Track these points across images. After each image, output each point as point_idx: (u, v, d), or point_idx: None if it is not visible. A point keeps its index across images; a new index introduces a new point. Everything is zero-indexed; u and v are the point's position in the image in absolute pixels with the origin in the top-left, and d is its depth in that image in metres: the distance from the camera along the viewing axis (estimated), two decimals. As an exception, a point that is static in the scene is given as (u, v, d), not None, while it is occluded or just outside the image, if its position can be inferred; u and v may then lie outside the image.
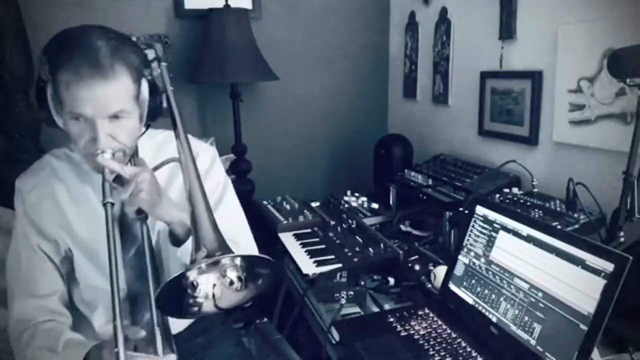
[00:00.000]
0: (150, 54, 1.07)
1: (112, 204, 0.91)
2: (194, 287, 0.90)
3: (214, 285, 0.91)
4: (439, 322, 1.23)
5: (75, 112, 0.93)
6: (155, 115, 1.06)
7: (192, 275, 0.88)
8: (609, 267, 0.93)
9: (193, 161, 0.97)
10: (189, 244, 0.99)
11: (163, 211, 1.00)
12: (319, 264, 1.57)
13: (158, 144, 1.17)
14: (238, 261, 0.90)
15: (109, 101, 0.93)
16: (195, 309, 0.91)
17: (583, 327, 0.94)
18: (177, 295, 0.88)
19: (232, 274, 0.91)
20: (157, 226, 1.12)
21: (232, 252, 0.86)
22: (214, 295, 0.91)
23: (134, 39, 1.04)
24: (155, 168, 1.02)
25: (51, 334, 1.04)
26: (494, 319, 1.15)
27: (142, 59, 1.00)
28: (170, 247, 1.06)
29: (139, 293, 1.10)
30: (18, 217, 1.11)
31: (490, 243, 1.23)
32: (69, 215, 1.10)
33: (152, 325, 0.99)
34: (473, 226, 1.29)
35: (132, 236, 1.10)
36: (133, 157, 1.05)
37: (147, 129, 1.10)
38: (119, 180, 0.96)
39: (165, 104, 1.06)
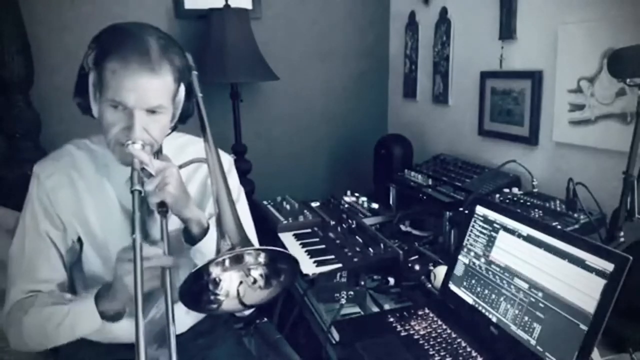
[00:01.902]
0: None
1: (140, 192, 0.94)
2: (215, 284, 0.91)
3: (240, 282, 0.93)
4: (439, 322, 1.23)
5: (117, 100, 0.96)
6: (186, 118, 1.11)
7: (215, 271, 0.90)
8: (609, 267, 0.93)
9: (220, 162, 1.00)
10: (202, 244, 1.02)
11: (185, 207, 1.02)
12: (319, 264, 1.57)
13: (178, 147, 1.20)
14: (261, 258, 0.92)
15: (150, 94, 0.97)
16: (214, 306, 0.93)
17: (583, 327, 0.94)
18: (197, 290, 0.89)
19: (255, 273, 0.93)
20: (168, 227, 1.13)
21: (254, 246, 0.89)
22: (238, 293, 0.93)
23: None
24: (182, 166, 1.06)
25: (54, 293, 1.06)
26: (494, 319, 1.15)
27: (184, 63, 1.05)
28: (182, 248, 1.06)
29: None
30: (30, 201, 1.11)
31: (490, 243, 1.23)
32: (85, 205, 1.11)
33: (157, 321, 0.99)
34: (473, 226, 1.29)
35: (144, 233, 1.11)
36: (158, 153, 1.09)
37: (173, 130, 1.13)
38: (143, 173, 0.99)
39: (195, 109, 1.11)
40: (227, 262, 0.90)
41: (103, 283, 1.03)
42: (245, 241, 0.88)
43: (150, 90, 0.97)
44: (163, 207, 1.00)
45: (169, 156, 1.10)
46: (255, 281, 0.94)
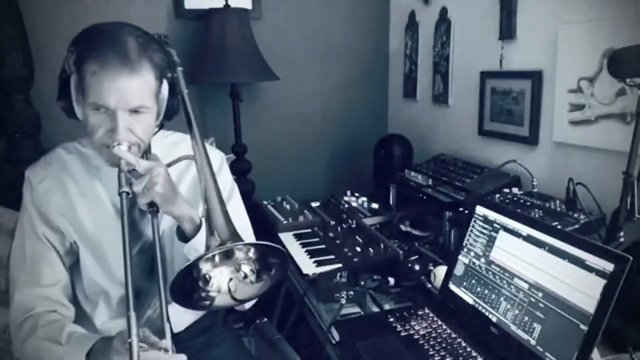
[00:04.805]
0: None
1: (128, 194, 0.94)
2: (206, 280, 0.91)
3: (230, 279, 0.93)
4: (439, 322, 1.23)
5: (98, 103, 0.96)
6: (172, 114, 1.09)
7: (205, 267, 0.90)
8: (609, 267, 0.93)
9: (207, 158, 1.00)
10: (195, 241, 1.01)
11: (175, 206, 1.01)
12: (319, 264, 1.57)
13: (168, 145, 1.19)
14: (251, 253, 0.92)
15: (132, 95, 0.97)
16: (207, 302, 0.93)
17: (583, 327, 0.94)
18: (189, 287, 0.89)
19: (245, 268, 0.93)
20: (161, 226, 1.13)
21: (244, 241, 0.88)
22: (229, 289, 0.93)
23: None
24: (170, 164, 1.05)
25: (54, 326, 1.04)
26: (494, 319, 1.15)
27: (165, 60, 1.05)
28: (175, 246, 1.06)
29: (141, 290, 1.10)
30: (25, 206, 1.11)
31: (490, 243, 1.22)
32: (77, 209, 1.11)
33: (154, 320, 0.98)
34: (473, 226, 1.29)
35: (138, 233, 1.11)
36: (146, 153, 1.08)
37: (160, 128, 1.12)
38: (132, 174, 0.98)
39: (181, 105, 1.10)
40: (217, 258, 0.90)
41: (98, 338, 1.00)
42: (235, 236, 0.88)
43: (131, 91, 0.96)
44: (153, 207, 1.00)
45: (159, 155, 1.09)
46: (246, 276, 0.93)
